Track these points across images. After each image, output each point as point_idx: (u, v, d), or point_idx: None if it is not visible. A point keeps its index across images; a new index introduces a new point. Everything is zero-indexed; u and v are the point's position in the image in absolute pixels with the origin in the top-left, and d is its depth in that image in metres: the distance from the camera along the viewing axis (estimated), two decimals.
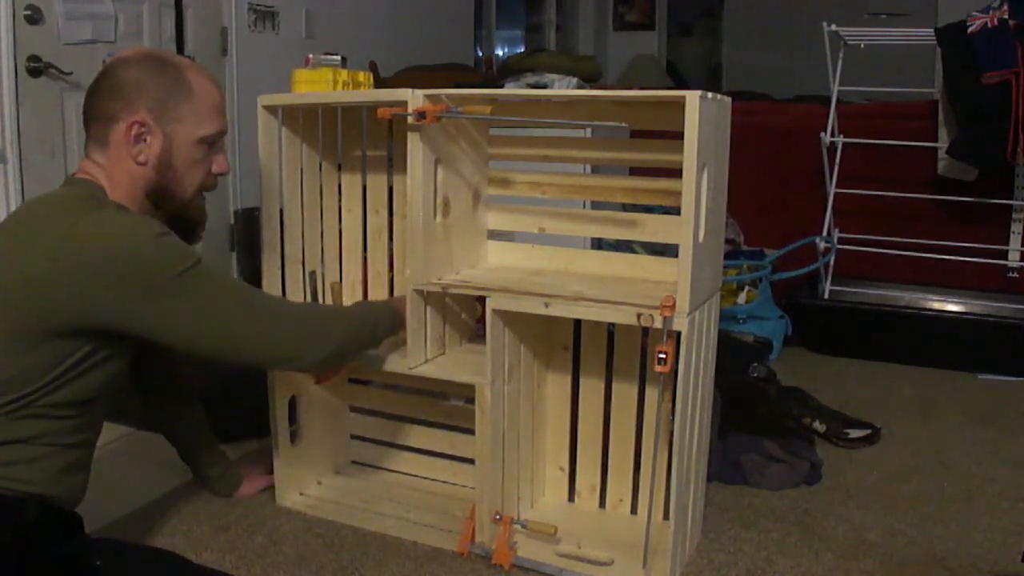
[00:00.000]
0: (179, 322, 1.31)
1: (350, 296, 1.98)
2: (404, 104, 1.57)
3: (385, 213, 1.96)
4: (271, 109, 1.76)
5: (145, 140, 1.37)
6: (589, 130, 2.19)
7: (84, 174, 1.39)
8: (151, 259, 1.28)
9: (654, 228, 1.70)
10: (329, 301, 1.84)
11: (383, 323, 1.60)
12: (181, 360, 1.79)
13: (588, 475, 1.86)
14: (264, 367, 1.44)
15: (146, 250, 1.28)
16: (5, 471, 1.29)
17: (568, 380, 1.84)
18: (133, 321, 1.29)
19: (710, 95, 1.46)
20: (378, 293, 2.00)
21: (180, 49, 3.15)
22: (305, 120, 1.83)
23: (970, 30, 2.92)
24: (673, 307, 1.44)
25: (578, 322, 1.80)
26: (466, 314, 1.83)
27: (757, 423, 2.12)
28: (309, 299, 1.85)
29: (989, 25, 2.89)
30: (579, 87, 2.95)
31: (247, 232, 3.44)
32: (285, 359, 1.42)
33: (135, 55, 1.40)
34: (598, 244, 2.50)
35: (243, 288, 1.41)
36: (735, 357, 2.44)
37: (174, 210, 1.45)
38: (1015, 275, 3.25)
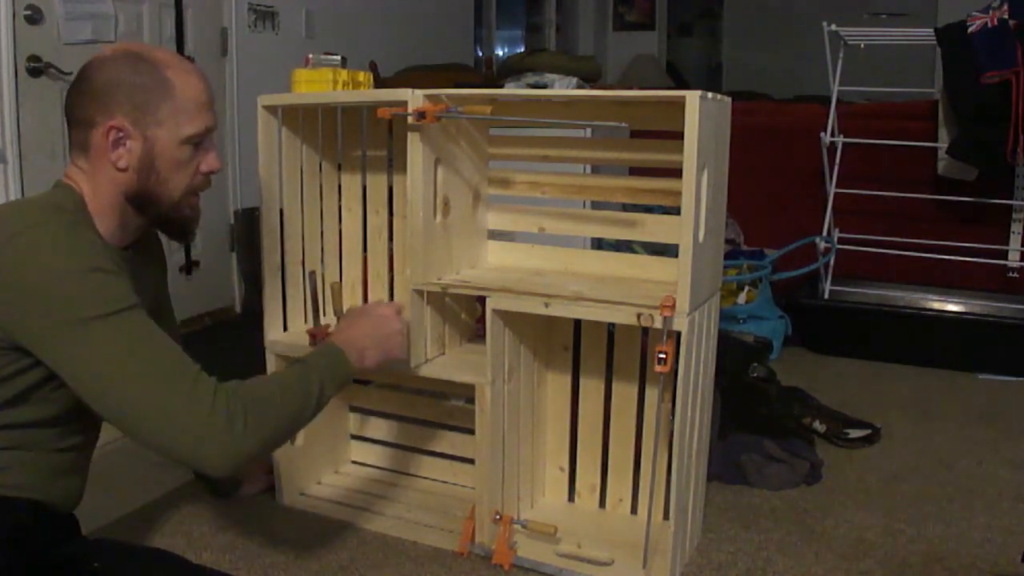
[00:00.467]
0: (80, 371, 1.19)
1: (350, 296, 1.98)
2: (404, 104, 1.57)
3: (385, 213, 1.96)
4: (271, 109, 1.76)
5: (124, 145, 1.30)
6: (589, 130, 2.18)
7: (67, 179, 1.34)
8: (68, 293, 1.18)
9: (654, 228, 1.70)
10: (329, 301, 1.84)
11: (327, 385, 1.39)
12: None
13: (588, 475, 1.86)
14: (166, 456, 1.22)
15: (67, 282, 1.18)
16: None
17: (568, 380, 1.84)
18: (41, 350, 1.20)
19: (710, 95, 1.46)
20: (378, 293, 2.00)
21: (180, 49, 3.15)
22: (305, 120, 1.83)
23: (970, 30, 2.92)
24: (673, 307, 1.44)
25: (578, 322, 1.80)
26: (466, 314, 1.83)
27: (757, 423, 2.12)
28: (309, 299, 1.85)
29: (989, 25, 2.89)
30: (579, 87, 2.95)
31: (247, 232, 3.44)
32: (187, 455, 1.20)
33: (111, 54, 1.32)
34: (598, 244, 2.50)
35: (162, 354, 1.22)
36: (735, 357, 2.44)
37: (160, 212, 1.37)
38: (1015, 275, 3.25)
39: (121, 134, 1.29)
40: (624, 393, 1.78)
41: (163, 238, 1.52)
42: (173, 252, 3.16)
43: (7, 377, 1.24)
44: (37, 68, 2.61)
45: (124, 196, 1.33)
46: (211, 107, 1.36)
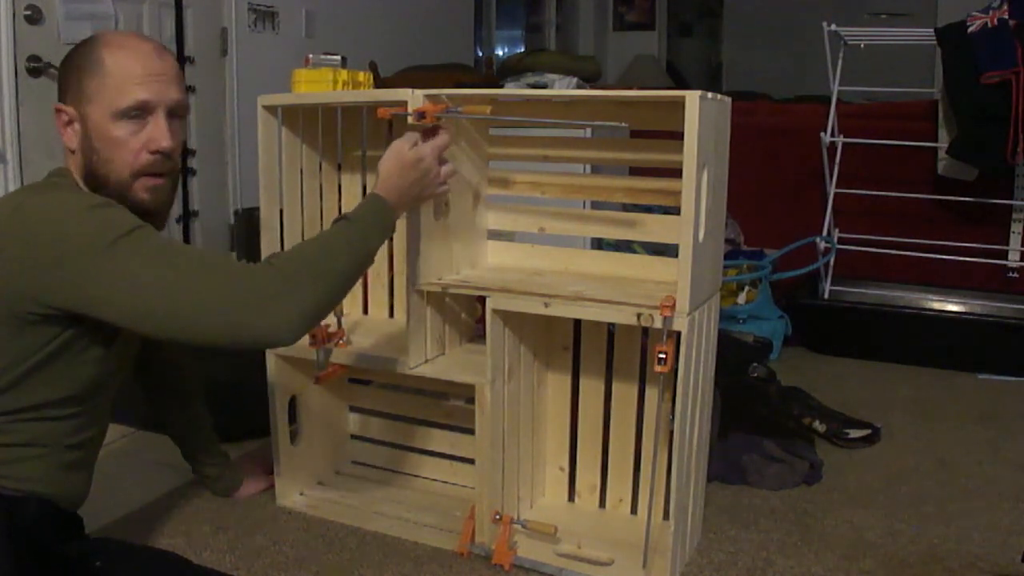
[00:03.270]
0: (118, 295, 1.20)
1: (350, 296, 1.98)
2: (404, 104, 1.57)
3: None
4: (271, 109, 1.76)
5: (72, 126, 1.34)
6: (589, 130, 2.18)
7: (64, 167, 1.39)
8: (81, 231, 1.21)
9: (654, 228, 1.70)
10: None
11: (371, 237, 1.37)
12: (182, 355, 1.79)
13: (588, 475, 1.86)
14: (237, 344, 1.22)
15: (76, 222, 1.21)
16: (6, 469, 1.29)
17: (568, 380, 1.84)
18: (76, 298, 1.21)
19: (710, 95, 1.46)
20: (378, 293, 2.00)
21: (180, 49, 3.15)
22: (305, 120, 1.83)
23: (970, 30, 2.92)
24: (673, 307, 1.44)
25: (578, 322, 1.80)
26: (466, 314, 1.83)
27: (757, 423, 2.12)
28: None
29: (989, 25, 2.89)
30: (579, 87, 2.95)
31: (247, 232, 3.43)
32: (253, 331, 1.20)
33: (76, 45, 1.36)
34: (598, 244, 2.50)
35: (189, 252, 1.26)
36: (735, 357, 2.44)
37: (113, 194, 1.33)
38: (1015, 275, 3.25)
39: (65, 116, 1.34)
40: (624, 393, 1.78)
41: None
42: None
43: (34, 350, 1.26)
44: (37, 68, 2.61)
45: (82, 178, 1.36)
46: (151, 81, 1.32)
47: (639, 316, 1.47)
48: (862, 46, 3.23)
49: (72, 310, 1.24)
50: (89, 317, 1.25)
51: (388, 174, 1.45)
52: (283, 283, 1.22)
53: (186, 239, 3.25)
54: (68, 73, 1.34)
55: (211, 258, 1.25)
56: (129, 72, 1.31)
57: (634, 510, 1.83)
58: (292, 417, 1.88)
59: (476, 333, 1.85)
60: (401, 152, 1.46)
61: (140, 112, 1.32)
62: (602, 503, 1.86)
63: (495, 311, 1.59)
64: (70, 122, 1.34)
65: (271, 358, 1.82)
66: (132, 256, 1.20)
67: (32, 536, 1.28)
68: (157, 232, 1.26)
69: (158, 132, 1.33)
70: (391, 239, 1.96)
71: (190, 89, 3.12)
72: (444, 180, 1.53)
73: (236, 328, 1.20)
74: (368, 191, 1.48)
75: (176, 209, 3.16)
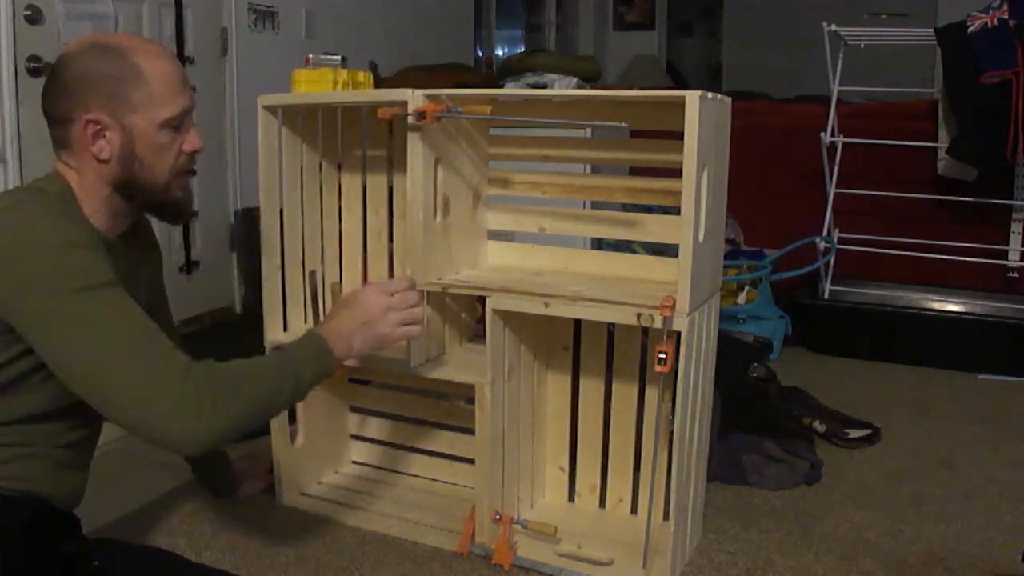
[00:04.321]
0: (54, 344, 1.19)
1: None
2: (404, 104, 1.57)
3: (385, 213, 1.96)
4: (271, 109, 1.76)
5: (104, 137, 1.30)
6: (589, 130, 2.18)
7: (56, 173, 1.35)
8: (45, 267, 1.19)
9: (654, 228, 1.70)
10: (329, 301, 1.84)
11: (305, 374, 1.36)
12: None
13: (588, 475, 1.86)
14: (134, 433, 1.22)
15: (44, 257, 1.19)
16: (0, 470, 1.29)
17: (568, 380, 1.84)
18: (21, 324, 1.20)
19: (710, 95, 1.46)
20: None
21: (180, 49, 3.15)
22: (305, 120, 1.83)
23: (970, 30, 2.92)
24: (673, 307, 1.44)
25: (578, 322, 1.80)
26: (466, 314, 1.83)
27: (757, 423, 2.12)
28: (309, 299, 1.85)
29: (989, 25, 2.89)
30: (579, 87, 2.95)
31: (247, 232, 3.44)
32: (154, 433, 1.20)
33: (78, 48, 1.32)
34: (598, 244, 2.50)
35: (138, 333, 1.23)
36: (735, 357, 2.44)
37: (150, 198, 1.37)
38: (1015, 275, 3.25)
39: (99, 126, 1.30)
40: (624, 393, 1.78)
41: (157, 231, 1.52)
42: (173, 252, 3.16)
43: (4, 364, 1.24)
44: (37, 68, 2.61)
45: (111, 186, 1.33)
46: (185, 87, 1.36)
47: (639, 316, 1.47)
48: (862, 46, 3.23)
49: (20, 333, 1.22)
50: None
51: (328, 314, 1.46)
52: (203, 401, 1.21)
53: (186, 239, 3.26)
54: (94, 82, 1.28)
55: (152, 347, 1.22)
56: (170, 81, 1.32)
57: (634, 510, 1.83)
58: (292, 417, 1.88)
59: (476, 333, 1.85)
60: (359, 297, 1.47)
61: (182, 119, 1.35)
62: (602, 503, 1.86)
63: (495, 311, 1.59)
64: (102, 132, 1.30)
65: None
66: (81, 313, 1.19)
67: (28, 536, 1.28)
68: (120, 294, 1.24)
69: (194, 136, 1.38)
70: (390, 240, 1.96)
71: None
72: (409, 325, 1.49)
73: (148, 426, 1.20)
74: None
75: None
